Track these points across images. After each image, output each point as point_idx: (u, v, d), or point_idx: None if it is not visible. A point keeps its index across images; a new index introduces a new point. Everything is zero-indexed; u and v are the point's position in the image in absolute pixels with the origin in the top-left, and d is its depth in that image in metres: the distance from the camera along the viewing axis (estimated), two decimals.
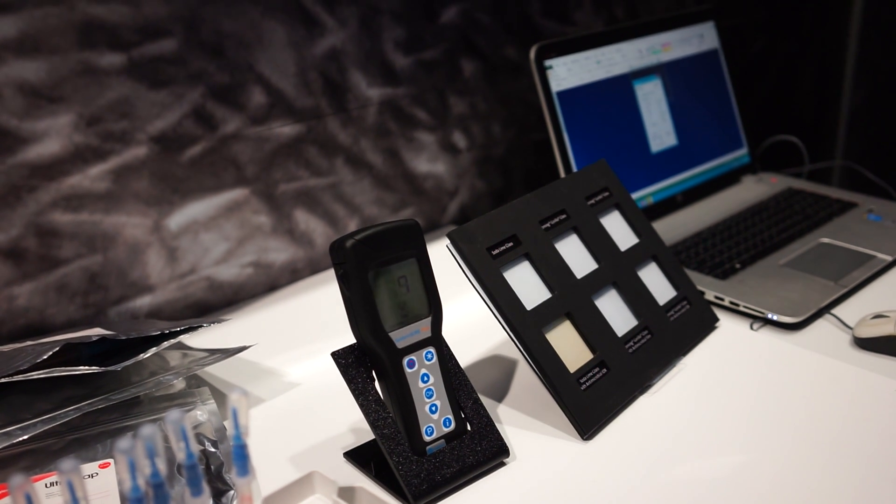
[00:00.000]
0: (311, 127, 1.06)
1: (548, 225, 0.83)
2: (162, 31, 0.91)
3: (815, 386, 0.81)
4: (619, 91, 1.17)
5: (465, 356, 0.84)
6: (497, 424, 0.74)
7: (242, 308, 1.04)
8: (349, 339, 0.69)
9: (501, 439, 0.72)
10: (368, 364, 0.69)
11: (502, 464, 0.72)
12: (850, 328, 0.89)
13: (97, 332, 0.80)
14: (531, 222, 0.82)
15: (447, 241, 0.75)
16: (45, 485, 0.68)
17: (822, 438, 0.73)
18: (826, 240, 1.10)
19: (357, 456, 0.73)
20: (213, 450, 0.72)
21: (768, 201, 1.23)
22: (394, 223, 0.68)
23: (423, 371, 0.69)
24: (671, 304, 0.88)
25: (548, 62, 1.09)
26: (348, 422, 0.78)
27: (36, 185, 0.87)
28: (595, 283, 0.83)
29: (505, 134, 1.28)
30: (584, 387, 0.76)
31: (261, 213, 1.04)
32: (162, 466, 0.48)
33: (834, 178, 1.58)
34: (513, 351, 0.88)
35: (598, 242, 0.86)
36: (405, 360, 0.68)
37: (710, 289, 0.97)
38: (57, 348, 0.73)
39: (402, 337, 0.68)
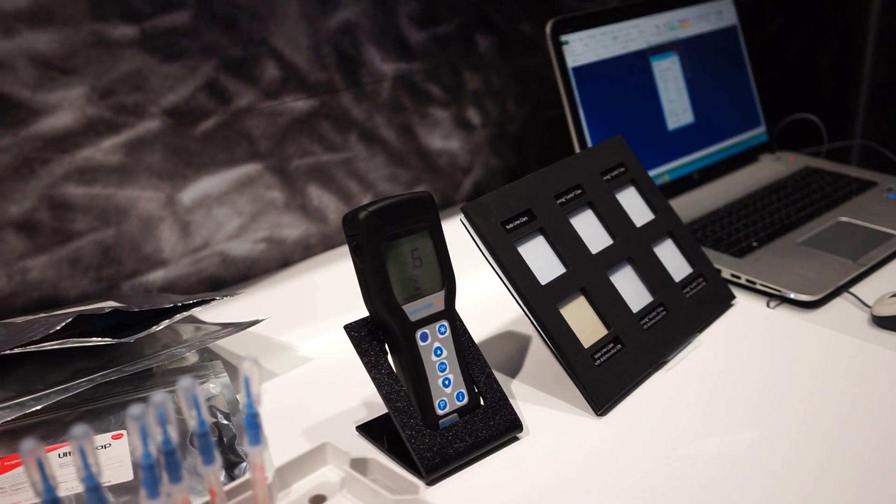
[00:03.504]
0: (325, 101, 1.05)
1: (563, 200, 0.82)
2: (175, 3, 0.90)
3: (833, 364, 0.80)
4: (635, 67, 1.16)
5: (479, 331, 0.83)
6: (510, 399, 0.74)
7: (255, 283, 1.03)
8: (363, 314, 0.69)
9: (515, 414, 0.71)
10: (381, 337, 0.69)
11: (515, 438, 0.72)
12: (869, 306, 0.88)
13: (110, 304, 0.80)
14: (546, 197, 0.81)
15: (461, 215, 0.75)
16: (59, 455, 0.68)
17: (838, 416, 0.72)
18: (844, 218, 1.08)
19: (369, 429, 0.73)
20: (225, 422, 0.72)
21: (786, 180, 1.21)
22: (407, 195, 0.67)
23: (437, 344, 0.69)
24: (687, 280, 0.88)
25: (564, 37, 1.07)
26: (361, 396, 0.77)
27: (49, 157, 0.86)
28: (610, 259, 0.82)
29: (520, 110, 1.27)
30: (598, 362, 0.76)
31: (274, 188, 1.04)
32: (173, 434, 0.48)
33: (853, 158, 1.56)
34: (527, 326, 0.88)
35: (614, 218, 0.85)
36: (418, 334, 0.68)
37: (726, 267, 0.96)
38: (70, 319, 0.73)
39: (415, 310, 0.67)
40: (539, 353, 0.84)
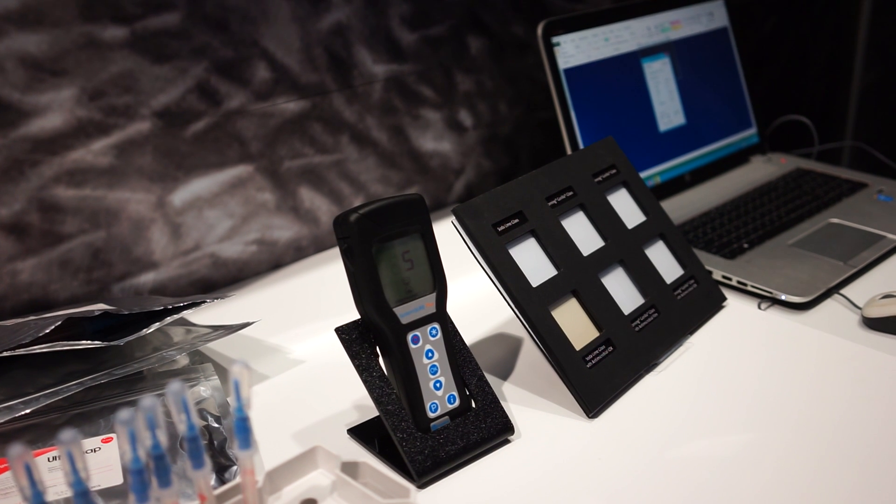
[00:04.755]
0: (316, 103, 1.05)
1: (554, 202, 0.82)
2: (165, 4, 0.90)
3: (823, 366, 0.80)
4: (627, 69, 1.16)
5: (470, 334, 0.83)
6: (502, 402, 0.74)
7: (246, 285, 1.03)
8: (354, 317, 0.69)
9: (506, 417, 0.71)
10: (372, 340, 0.69)
11: (507, 441, 0.71)
12: (859, 308, 0.88)
13: (100, 307, 0.80)
14: (537, 199, 0.81)
15: (452, 217, 0.75)
16: (48, 459, 0.68)
17: (829, 418, 0.72)
18: (835, 220, 1.08)
19: (361, 432, 0.73)
20: (216, 425, 0.71)
21: (777, 181, 1.21)
22: (398, 197, 0.67)
23: (428, 347, 0.69)
24: (678, 282, 0.88)
25: (555, 39, 1.07)
26: (352, 398, 0.77)
27: (38, 159, 0.86)
28: (602, 261, 0.82)
29: (511, 112, 1.27)
30: (589, 365, 0.76)
31: (265, 190, 1.03)
32: (163, 438, 0.48)
33: (844, 159, 1.57)
34: (518, 328, 0.87)
35: (605, 220, 0.85)
36: (409, 336, 0.67)
37: (717, 268, 0.96)
38: (59, 322, 0.72)
39: (406, 312, 0.67)
40: (530, 355, 0.84)
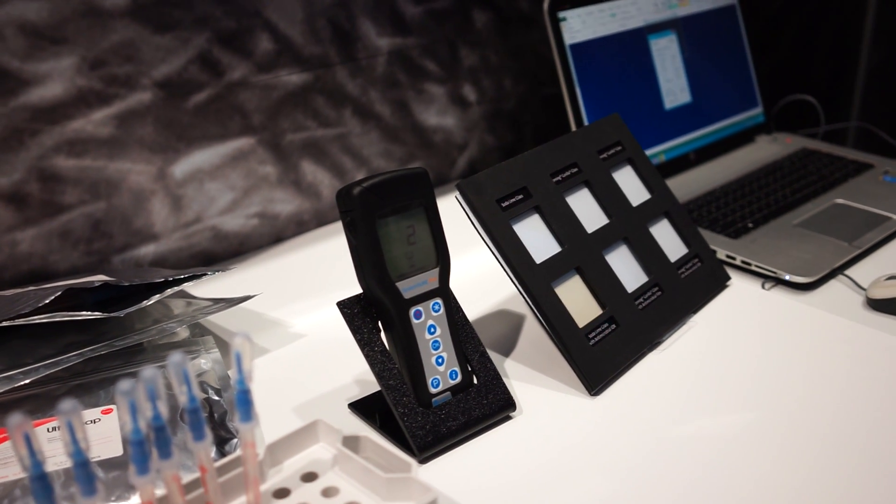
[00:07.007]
0: (319, 76, 1.04)
1: (559, 178, 0.81)
2: None
3: (827, 346, 0.80)
4: (633, 45, 1.14)
5: (473, 309, 0.83)
6: (504, 378, 0.74)
7: (248, 259, 1.03)
8: (356, 291, 0.68)
9: (508, 393, 0.71)
10: (375, 314, 0.68)
11: (508, 417, 0.71)
12: (864, 289, 0.88)
13: (100, 278, 0.79)
14: (542, 175, 0.80)
15: (456, 192, 0.74)
16: (47, 429, 0.67)
17: (832, 398, 0.72)
18: (841, 201, 1.08)
19: (362, 407, 0.72)
20: (216, 398, 0.71)
21: (782, 161, 1.21)
22: (402, 171, 0.66)
23: (430, 322, 0.68)
24: (682, 261, 0.87)
25: (562, 14, 1.06)
26: (353, 373, 0.77)
27: (38, 128, 0.85)
28: (606, 238, 0.82)
29: (516, 88, 1.25)
30: (592, 342, 0.75)
31: (267, 163, 1.02)
32: (163, 409, 0.48)
33: (849, 140, 1.55)
34: (521, 305, 0.87)
35: (610, 197, 0.84)
36: (412, 311, 0.67)
37: (722, 248, 0.96)
38: (59, 293, 0.72)
39: (408, 287, 0.67)
40: (533, 332, 0.84)
